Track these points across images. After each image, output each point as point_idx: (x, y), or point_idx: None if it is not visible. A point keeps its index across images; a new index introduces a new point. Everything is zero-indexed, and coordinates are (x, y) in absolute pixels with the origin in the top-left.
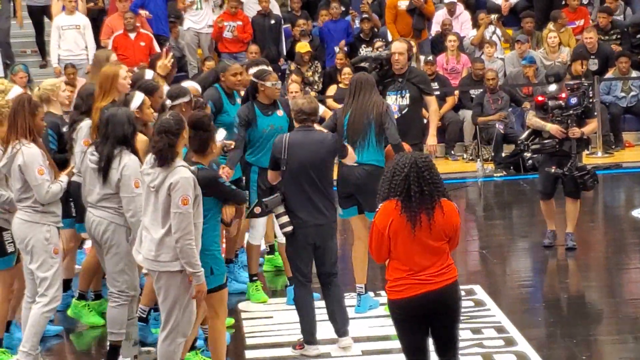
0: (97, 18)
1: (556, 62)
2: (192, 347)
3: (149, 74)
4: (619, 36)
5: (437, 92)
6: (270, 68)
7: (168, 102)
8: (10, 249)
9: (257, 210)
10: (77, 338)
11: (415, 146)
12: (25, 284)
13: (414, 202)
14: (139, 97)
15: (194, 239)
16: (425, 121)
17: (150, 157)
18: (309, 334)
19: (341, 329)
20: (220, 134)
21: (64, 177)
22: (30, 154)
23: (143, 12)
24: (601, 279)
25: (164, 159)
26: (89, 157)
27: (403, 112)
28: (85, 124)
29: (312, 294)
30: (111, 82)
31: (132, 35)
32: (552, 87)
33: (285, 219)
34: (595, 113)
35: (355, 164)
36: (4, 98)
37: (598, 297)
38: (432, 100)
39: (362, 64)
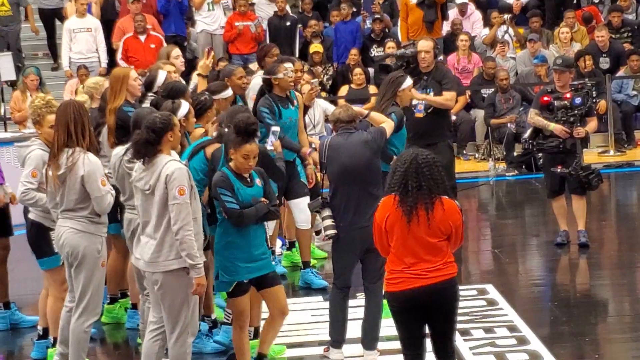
0: (110, 20)
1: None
2: (256, 335)
3: (162, 75)
4: (630, 34)
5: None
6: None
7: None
8: (57, 248)
9: None
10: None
11: (443, 143)
12: (68, 289)
13: (411, 197)
14: (185, 106)
15: (193, 230)
16: (453, 118)
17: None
18: (334, 339)
19: (366, 342)
20: (274, 134)
21: (108, 184)
22: (92, 164)
23: None
24: (614, 278)
25: (136, 153)
26: (125, 165)
27: (428, 111)
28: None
29: (347, 300)
30: (121, 83)
31: (142, 38)
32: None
33: (328, 222)
34: (594, 113)
35: None
36: (45, 98)
37: (610, 296)
38: (449, 93)
39: (386, 62)
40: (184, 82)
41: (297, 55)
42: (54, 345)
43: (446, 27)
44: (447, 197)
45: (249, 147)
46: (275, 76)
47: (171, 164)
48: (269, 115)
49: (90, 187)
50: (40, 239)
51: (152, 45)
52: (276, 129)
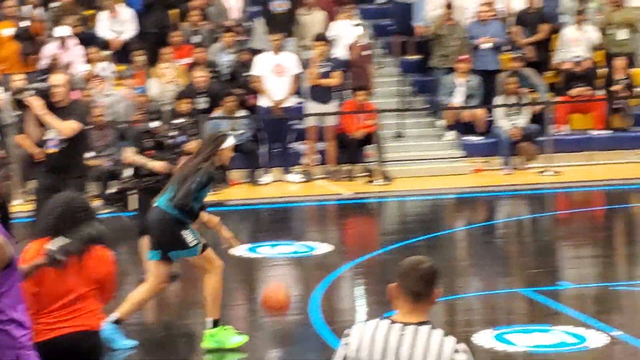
0: None
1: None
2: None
3: None
4: (215, 73)
5: None
6: None
7: None
8: None
9: None
10: None
11: (74, 180)
12: None
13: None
14: None
15: None
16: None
17: None
18: None
19: None
20: None
21: None
22: None
23: None
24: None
25: None
26: None
27: (61, 147)
28: None
29: None
30: None
31: None
32: (155, 124)
33: None
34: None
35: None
36: None
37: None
38: (70, 122)
39: (20, 96)
40: None
41: None
42: None
43: (46, 61)
44: (101, 245)
45: None
46: None
47: None
48: None
49: None
50: None
51: None
52: None
